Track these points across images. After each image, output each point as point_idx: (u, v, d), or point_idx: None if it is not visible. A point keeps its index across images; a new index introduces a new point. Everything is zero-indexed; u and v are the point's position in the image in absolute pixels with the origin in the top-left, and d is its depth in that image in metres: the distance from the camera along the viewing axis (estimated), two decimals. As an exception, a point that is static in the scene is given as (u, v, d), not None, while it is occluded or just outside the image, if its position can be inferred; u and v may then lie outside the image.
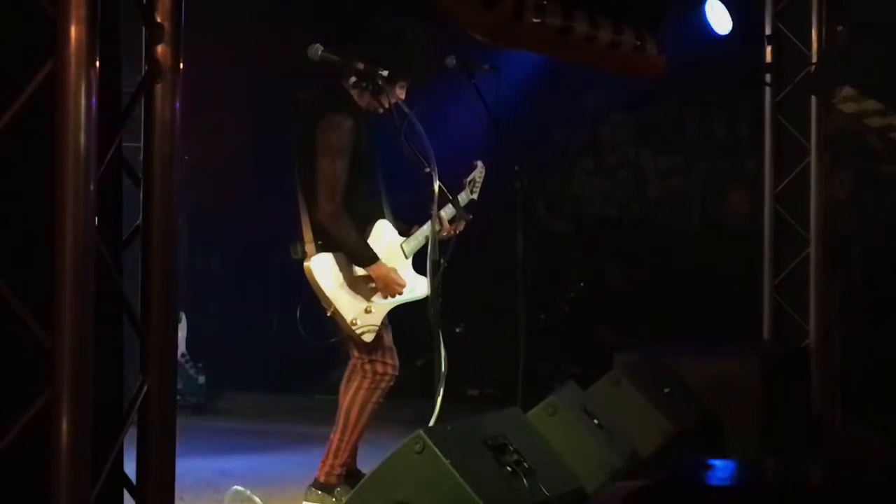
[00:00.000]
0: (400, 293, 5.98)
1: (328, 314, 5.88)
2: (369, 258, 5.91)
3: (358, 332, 5.86)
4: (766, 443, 7.38)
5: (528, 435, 5.17)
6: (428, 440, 4.46)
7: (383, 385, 5.98)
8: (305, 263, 5.88)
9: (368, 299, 5.93)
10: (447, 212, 6.09)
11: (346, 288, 5.90)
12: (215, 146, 10.04)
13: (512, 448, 4.82)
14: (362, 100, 6.01)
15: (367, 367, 5.96)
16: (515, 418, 5.31)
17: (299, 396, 10.17)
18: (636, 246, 10.43)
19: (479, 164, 6.44)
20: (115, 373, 3.08)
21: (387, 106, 5.79)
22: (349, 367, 6.06)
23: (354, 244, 5.92)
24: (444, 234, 5.98)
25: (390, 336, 6.04)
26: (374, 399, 5.97)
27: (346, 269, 5.92)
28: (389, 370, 5.99)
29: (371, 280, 5.94)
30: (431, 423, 5.25)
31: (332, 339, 5.99)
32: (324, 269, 5.88)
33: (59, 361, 2.67)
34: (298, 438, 8.31)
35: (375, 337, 5.91)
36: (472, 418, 5.12)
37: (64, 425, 2.66)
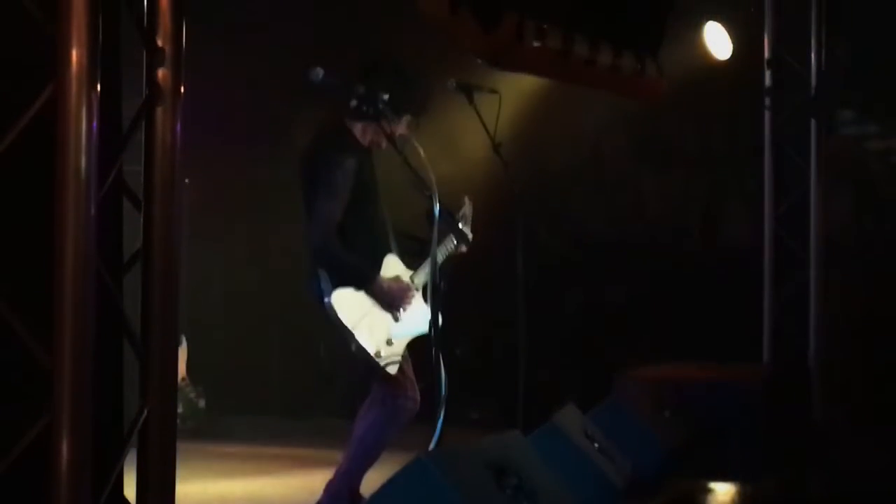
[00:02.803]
0: (409, 303, 5.98)
1: (352, 348, 5.86)
2: (370, 276, 5.92)
3: (383, 363, 5.85)
4: (767, 463, 7.37)
5: (529, 458, 5.15)
6: (429, 464, 4.44)
7: (402, 419, 5.96)
8: (326, 300, 5.86)
9: (388, 330, 5.93)
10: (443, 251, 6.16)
11: (367, 321, 5.89)
12: (215, 169, 10.05)
13: (513, 471, 4.81)
14: (365, 136, 6.03)
15: (389, 400, 5.94)
16: (516, 441, 5.29)
17: (299, 420, 10.15)
18: (637, 266, 10.42)
19: (467, 199, 6.47)
20: (115, 395, 3.08)
21: (388, 131, 5.81)
22: (370, 398, 6.04)
23: (352, 267, 5.93)
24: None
25: (411, 368, 6.04)
26: (390, 430, 5.95)
27: (364, 302, 5.92)
28: (410, 404, 5.97)
29: (388, 310, 5.94)
30: (432, 446, 5.25)
31: (359, 377, 5.99)
32: (343, 304, 5.87)
33: (60, 384, 2.67)
34: (298, 462, 8.29)
35: (398, 370, 5.91)
36: (473, 441, 5.11)
37: (64, 448, 2.66)
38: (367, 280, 5.93)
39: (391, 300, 5.96)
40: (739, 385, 7.68)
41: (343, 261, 5.92)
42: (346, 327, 5.83)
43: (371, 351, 5.83)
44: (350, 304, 5.88)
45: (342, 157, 5.92)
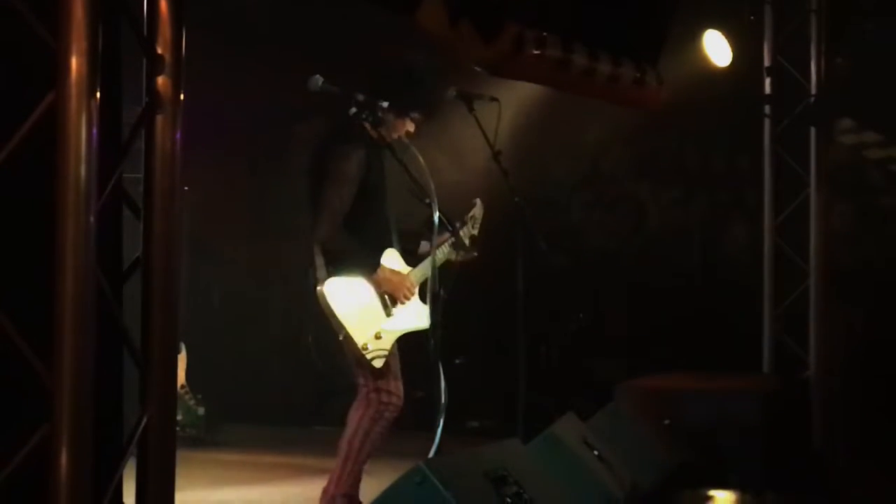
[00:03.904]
0: (410, 295, 5.98)
1: (339, 338, 5.85)
2: (372, 264, 5.92)
3: (369, 356, 5.84)
4: (767, 475, 7.37)
5: (528, 467, 5.15)
6: (428, 472, 4.44)
7: (387, 415, 5.95)
8: (319, 287, 5.86)
9: (378, 325, 5.92)
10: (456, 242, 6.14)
11: (358, 312, 5.89)
12: (216, 177, 10.06)
13: (512, 480, 4.80)
14: (375, 130, 6.04)
15: (373, 395, 5.94)
16: (515, 450, 5.29)
17: (298, 428, 10.15)
18: (636, 278, 10.43)
19: (478, 201, 6.46)
20: (114, 404, 3.07)
21: (386, 140, 5.82)
22: (358, 397, 6.04)
23: (356, 254, 5.93)
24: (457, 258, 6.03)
25: (398, 364, 6.02)
26: (377, 428, 5.94)
27: (357, 294, 5.91)
28: (394, 399, 5.96)
29: (380, 304, 5.94)
30: (431, 454, 5.24)
31: (347, 373, 5.98)
32: (336, 293, 5.86)
33: (59, 395, 2.66)
34: (297, 470, 8.28)
35: (384, 364, 5.90)
36: (472, 450, 5.11)
37: (63, 458, 2.65)
38: (369, 268, 5.93)
39: (391, 290, 5.96)
40: (739, 394, 7.68)
41: (347, 249, 5.92)
42: (335, 316, 5.82)
43: (359, 343, 5.83)
44: (343, 295, 5.88)
45: (352, 147, 5.92)
